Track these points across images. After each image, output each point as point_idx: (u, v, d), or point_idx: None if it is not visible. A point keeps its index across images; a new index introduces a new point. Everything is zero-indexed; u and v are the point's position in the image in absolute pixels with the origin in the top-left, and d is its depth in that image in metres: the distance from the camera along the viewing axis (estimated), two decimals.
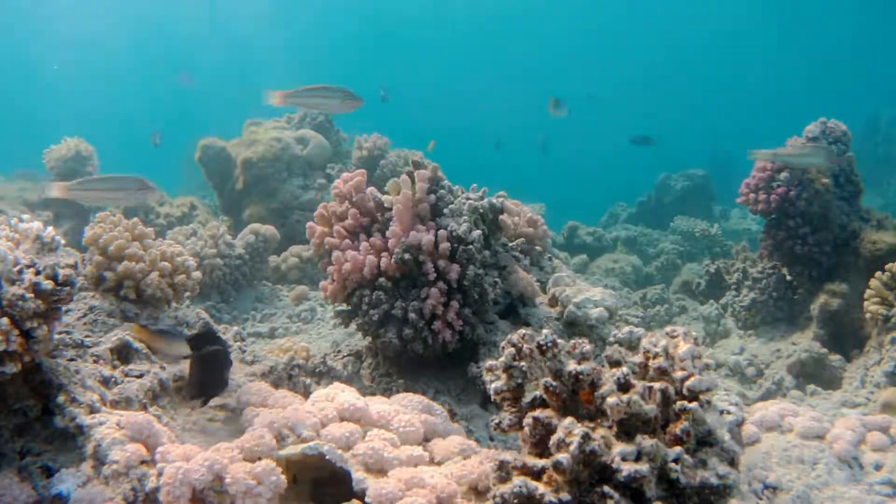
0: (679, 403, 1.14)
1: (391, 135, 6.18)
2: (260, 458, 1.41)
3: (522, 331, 1.23)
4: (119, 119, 21.57)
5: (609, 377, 1.16)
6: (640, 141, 8.48)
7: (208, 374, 1.89)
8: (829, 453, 2.22)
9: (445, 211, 2.51)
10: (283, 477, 1.38)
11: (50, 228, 1.89)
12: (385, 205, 2.54)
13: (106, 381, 1.74)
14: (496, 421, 1.24)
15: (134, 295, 2.12)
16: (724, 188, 8.95)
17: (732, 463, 1.15)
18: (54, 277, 1.45)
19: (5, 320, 1.37)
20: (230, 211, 5.69)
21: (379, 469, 1.45)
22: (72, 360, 1.73)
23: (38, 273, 1.44)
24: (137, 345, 1.94)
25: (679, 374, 1.17)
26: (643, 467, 1.06)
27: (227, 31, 26.32)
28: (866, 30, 23.76)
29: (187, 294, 2.29)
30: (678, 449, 1.10)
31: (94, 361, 1.79)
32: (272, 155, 5.59)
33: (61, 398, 1.52)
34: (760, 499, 2.04)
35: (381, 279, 2.41)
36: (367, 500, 1.34)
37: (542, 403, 1.19)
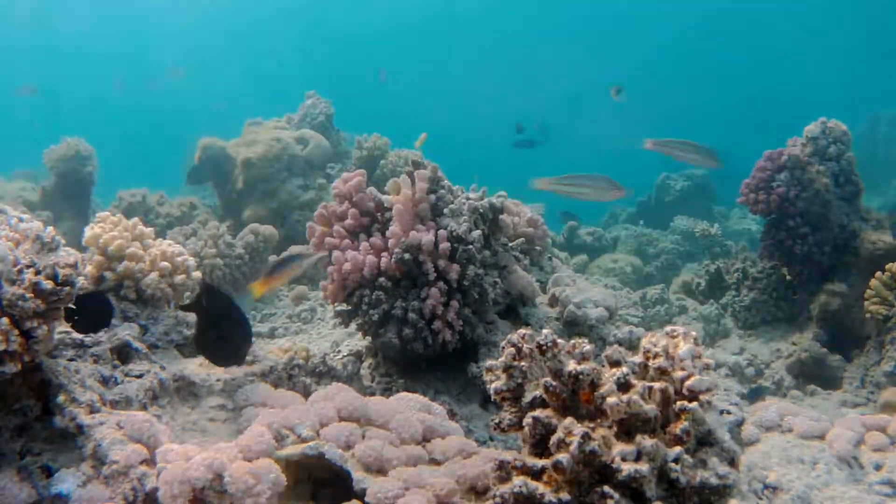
0: (679, 403, 1.14)
1: (391, 135, 6.18)
2: (260, 458, 1.41)
3: (522, 331, 1.23)
4: (119, 119, 21.58)
5: (609, 377, 1.16)
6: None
7: (216, 333, 1.87)
8: (829, 453, 2.22)
9: (445, 211, 2.51)
10: (283, 476, 1.38)
11: (50, 228, 1.89)
12: (385, 205, 2.54)
13: (106, 381, 1.74)
14: (496, 421, 1.24)
15: (134, 295, 2.12)
16: (724, 188, 8.95)
17: (732, 463, 1.15)
18: (54, 277, 1.45)
19: (5, 320, 1.37)
20: (230, 211, 5.69)
21: (379, 469, 1.45)
22: (72, 360, 1.73)
23: (38, 273, 1.44)
24: (137, 345, 1.94)
25: (679, 374, 1.17)
26: (643, 467, 1.06)
27: (228, 30, 26.32)
28: (867, 30, 23.75)
29: (187, 294, 2.29)
30: (678, 449, 1.10)
31: (94, 361, 1.79)
32: (272, 155, 5.59)
33: (61, 398, 1.52)
34: (760, 499, 2.05)
35: (381, 279, 2.41)
36: (366, 499, 1.34)
37: (542, 403, 1.19)
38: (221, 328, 1.87)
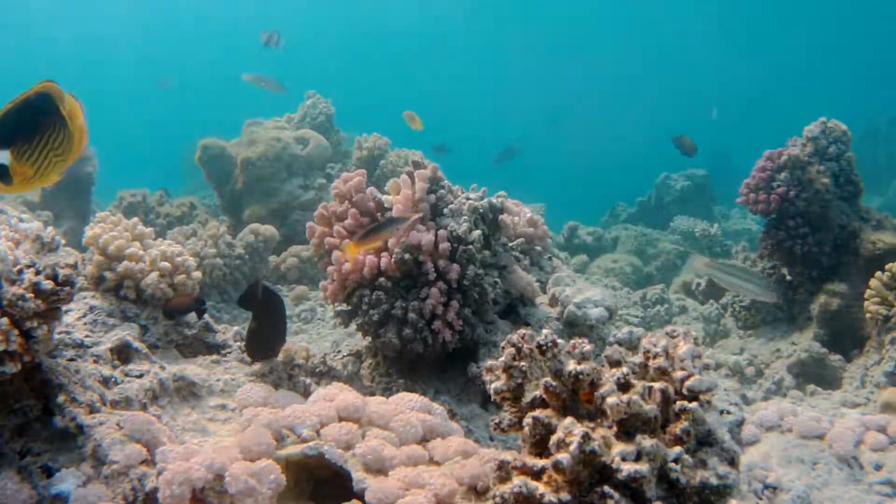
0: (679, 403, 1.14)
1: (391, 135, 6.18)
2: (260, 458, 1.41)
3: (522, 331, 1.23)
4: (118, 119, 21.58)
5: (609, 377, 1.16)
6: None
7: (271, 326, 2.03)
8: (829, 453, 2.22)
9: (445, 211, 2.51)
10: (283, 476, 1.38)
11: (50, 228, 1.89)
12: (385, 205, 2.54)
13: (106, 381, 1.74)
14: (496, 421, 1.24)
15: (134, 295, 2.13)
16: (724, 188, 8.95)
17: (732, 463, 1.15)
18: (54, 277, 1.45)
19: (5, 320, 1.37)
20: (230, 211, 5.69)
21: (379, 469, 1.45)
22: (72, 360, 1.73)
23: (38, 273, 1.44)
24: (137, 345, 1.94)
25: (679, 374, 1.17)
26: (643, 467, 1.06)
27: (227, 30, 26.33)
28: (867, 30, 23.76)
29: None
30: (678, 449, 1.10)
31: (94, 361, 1.79)
32: (272, 155, 5.59)
33: (61, 398, 1.52)
34: (760, 499, 2.05)
35: (381, 279, 2.41)
36: (366, 499, 1.34)
37: (542, 403, 1.19)
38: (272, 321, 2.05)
